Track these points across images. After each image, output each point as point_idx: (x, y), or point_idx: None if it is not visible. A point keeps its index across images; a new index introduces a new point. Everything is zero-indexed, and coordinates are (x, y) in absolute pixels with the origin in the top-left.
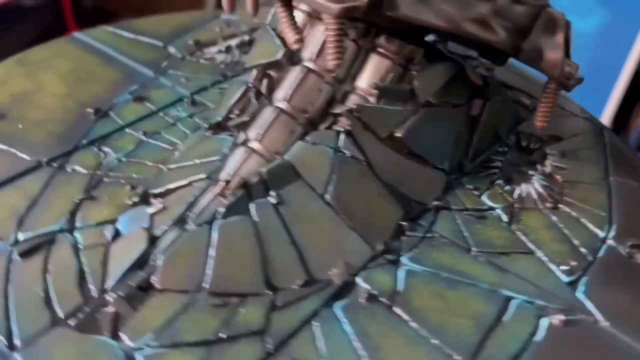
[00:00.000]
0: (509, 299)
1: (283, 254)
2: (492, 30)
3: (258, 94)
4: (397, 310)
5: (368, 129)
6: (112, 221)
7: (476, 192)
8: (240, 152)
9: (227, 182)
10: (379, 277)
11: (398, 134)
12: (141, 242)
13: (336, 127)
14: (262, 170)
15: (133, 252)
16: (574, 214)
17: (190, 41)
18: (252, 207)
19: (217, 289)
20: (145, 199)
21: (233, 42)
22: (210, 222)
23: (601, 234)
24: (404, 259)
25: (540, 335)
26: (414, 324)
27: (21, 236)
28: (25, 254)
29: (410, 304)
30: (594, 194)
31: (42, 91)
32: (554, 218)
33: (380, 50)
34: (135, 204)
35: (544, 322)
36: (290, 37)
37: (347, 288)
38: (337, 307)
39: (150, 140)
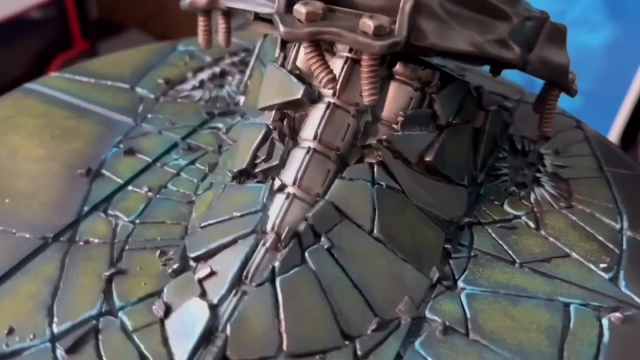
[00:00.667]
0: (567, 306)
1: (349, 299)
2: (510, 48)
3: (281, 136)
4: (475, 337)
5: (398, 157)
6: (156, 294)
7: (497, 202)
8: (280, 200)
9: (277, 233)
10: (445, 306)
11: (428, 158)
12: (202, 314)
13: (368, 160)
14: (308, 215)
15: (196, 326)
16: (587, 210)
17: (159, 80)
18: (308, 255)
19: (296, 350)
20: (184, 264)
21: (204, 76)
22: (270, 280)
23: (617, 225)
24: (460, 283)
25: (606, 335)
26: (494, 348)
27: (57, 329)
28: (72, 349)
29: (483, 328)
30: (597, 187)
31: (18, 156)
32: (573, 217)
33: (399, 77)
34: (176, 272)
35: (605, 322)
36: (324, 77)
37: (418, 323)
38: (417, 345)
39: (160, 197)
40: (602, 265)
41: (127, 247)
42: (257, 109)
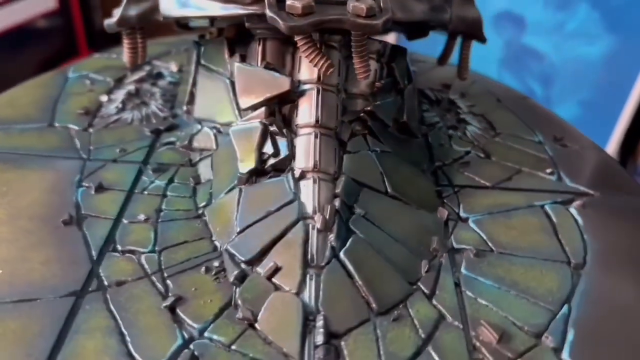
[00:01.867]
0: (542, 207)
1: (397, 253)
2: (445, 12)
3: (279, 129)
4: (499, 250)
5: (379, 123)
6: (228, 306)
7: (446, 145)
8: (309, 185)
9: (322, 215)
10: (464, 235)
11: (404, 119)
12: (294, 304)
13: (358, 131)
14: (337, 192)
15: (294, 316)
16: (510, 133)
17: (77, 110)
18: (353, 226)
19: (383, 306)
20: (243, 273)
21: (119, 97)
22: (335, 256)
23: (536, 139)
24: (463, 214)
25: (579, 219)
26: (517, 253)
27: None
28: None
29: (500, 242)
30: (505, 115)
31: None
32: (505, 142)
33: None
34: (238, 279)
35: (573, 211)
36: (323, 64)
37: (452, 255)
38: (464, 271)
39: (163, 221)
40: (547, 171)
41: (166, 275)
42: (214, 113)
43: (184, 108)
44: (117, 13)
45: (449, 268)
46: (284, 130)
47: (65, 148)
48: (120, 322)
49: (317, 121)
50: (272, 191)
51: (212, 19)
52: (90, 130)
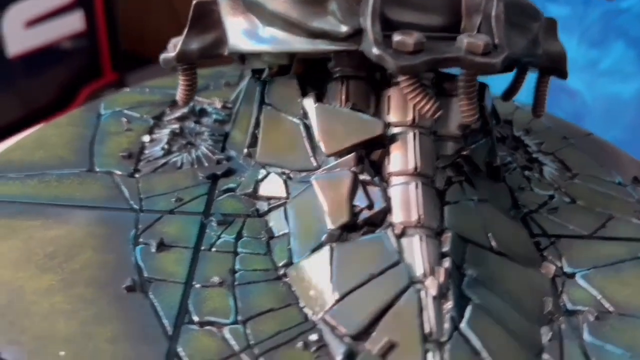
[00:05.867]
0: None
1: (515, 321)
2: (539, 46)
3: (371, 178)
4: (618, 311)
5: (474, 169)
6: None
7: (527, 189)
8: (414, 243)
9: (435, 279)
10: (575, 294)
11: (496, 163)
12: None
13: (453, 178)
14: (445, 251)
15: None
16: (586, 174)
17: (119, 153)
18: (468, 292)
19: None
20: (350, 350)
21: (163, 138)
22: (457, 329)
23: (615, 179)
24: (567, 269)
25: None
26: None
27: None
28: None
29: (617, 301)
30: (575, 152)
31: (24, 296)
32: (585, 184)
33: (453, 93)
34: (348, 358)
35: None
36: (430, 107)
37: (569, 318)
38: (588, 337)
39: (240, 284)
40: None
41: (258, 353)
42: (283, 158)
43: (245, 151)
44: (174, 46)
45: (570, 334)
46: (376, 179)
47: (112, 197)
48: None
49: (415, 169)
50: (371, 250)
51: (291, 56)
52: (137, 175)
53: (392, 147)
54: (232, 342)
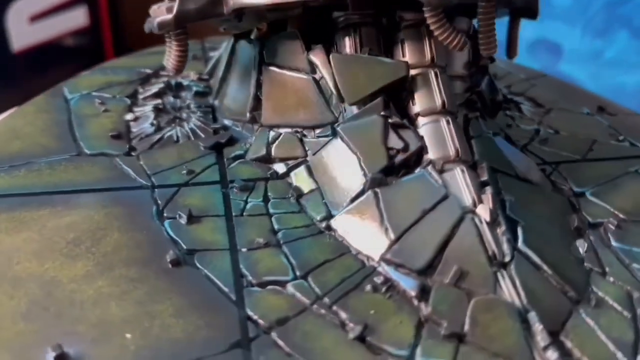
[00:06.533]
0: None
1: (556, 238)
2: None
3: (401, 120)
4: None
5: (484, 105)
6: (422, 325)
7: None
8: (457, 176)
9: (486, 206)
10: (592, 209)
11: (499, 98)
12: (505, 311)
13: (470, 115)
14: (484, 179)
15: (511, 325)
16: (565, 117)
17: (108, 134)
18: (514, 214)
19: (581, 295)
20: (422, 284)
21: (148, 113)
22: (516, 249)
23: None
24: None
25: None
26: None
27: None
28: None
29: None
30: (544, 93)
31: (62, 284)
32: (566, 117)
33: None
34: (421, 292)
35: None
36: (457, 41)
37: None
38: None
39: (286, 242)
40: (619, 138)
41: (330, 302)
42: (294, 116)
43: (248, 116)
44: (166, 9)
45: (600, 244)
46: (405, 120)
47: (117, 177)
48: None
49: (443, 106)
50: (416, 189)
51: (291, 8)
52: (134, 154)
53: (415, 87)
54: (300, 296)
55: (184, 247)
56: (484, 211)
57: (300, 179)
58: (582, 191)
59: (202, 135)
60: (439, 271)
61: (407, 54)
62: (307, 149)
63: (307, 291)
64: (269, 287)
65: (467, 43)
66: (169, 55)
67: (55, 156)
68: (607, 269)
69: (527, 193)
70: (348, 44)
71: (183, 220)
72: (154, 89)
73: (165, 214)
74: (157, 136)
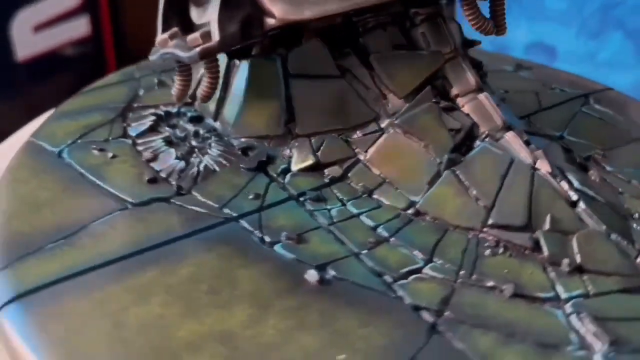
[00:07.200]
0: None
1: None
2: None
3: (450, 104)
4: None
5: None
6: (547, 267)
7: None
8: (512, 141)
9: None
10: None
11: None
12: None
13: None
14: (526, 139)
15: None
16: None
17: (145, 180)
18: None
19: None
20: (531, 237)
21: (163, 149)
22: (578, 190)
23: None
24: None
25: None
26: None
27: None
28: None
29: None
30: None
31: (251, 334)
32: None
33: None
34: (534, 244)
35: None
36: (485, 25)
37: None
38: None
39: (397, 236)
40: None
41: (467, 273)
42: (334, 120)
43: (280, 130)
44: (201, 36)
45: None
46: (451, 102)
47: (192, 219)
48: None
49: (477, 84)
50: (486, 160)
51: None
52: (183, 192)
53: (448, 73)
54: (442, 276)
55: (313, 264)
56: (544, 165)
57: (362, 177)
58: (561, 134)
59: (232, 158)
60: (536, 222)
61: (432, 44)
62: (354, 148)
63: (444, 271)
64: (410, 277)
65: (494, 28)
66: (202, 84)
67: (102, 215)
68: (620, 189)
69: (555, 148)
70: (380, 43)
71: (292, 241)
72: (146, 122)
73: (268, 240)
74: (193, 169)
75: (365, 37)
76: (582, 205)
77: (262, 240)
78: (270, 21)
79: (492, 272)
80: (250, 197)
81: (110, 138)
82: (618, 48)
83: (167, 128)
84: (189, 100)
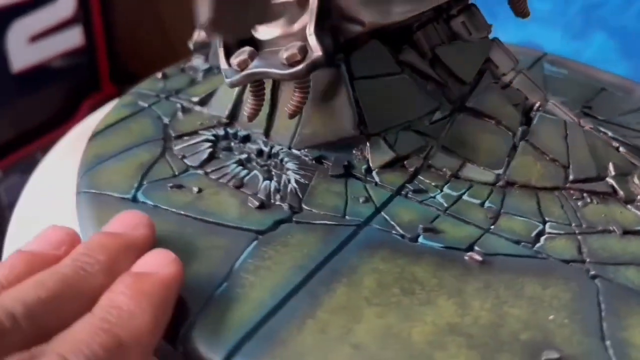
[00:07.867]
0: None
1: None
2: None
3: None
4: None
5: None
6: None
7: None
8: (556, 108)
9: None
10: None
11: None
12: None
13: None
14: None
15: None
16: None
17: (250, 207)
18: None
19: None
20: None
21: (242, 173)
22: (613, 138)
23: None
24: None
25: None
26: None
27: None
28: None
29: None
30: None
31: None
32: None
33: None
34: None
35: None
36: (526, 11)
37: None
38: None
39: (509, 215)
40: None
41: (585, 225)
42: (403, 114)
43: (353, 132)
44: (301, 50)
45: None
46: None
47: (329, 233)
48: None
49: (516, 62)
50: (546, 126)
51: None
52: (296, 209)
53: (493, 56)
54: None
55: (462, 247)
56: (586, 122)
57: (443, 162)
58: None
59: (312, 169)
60: (603, 171)
61: (472, 31)
62: (429, 134)
63: (561, 227)
64: (541, 238)
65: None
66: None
67: (242, 251)
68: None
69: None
70: (434, 37)
71: (430, 233)
72: (203, 151)
73: (408, 236)
74: (289, 187)
75: (419, 32)
76: (622, 149)
77: (402, 236)
78: (355, 28)
79: (594, 219)
80: (361, 201)
81: (177, 173)
82: (601, 46)
83: (223, 152)
84: (226, 121)
